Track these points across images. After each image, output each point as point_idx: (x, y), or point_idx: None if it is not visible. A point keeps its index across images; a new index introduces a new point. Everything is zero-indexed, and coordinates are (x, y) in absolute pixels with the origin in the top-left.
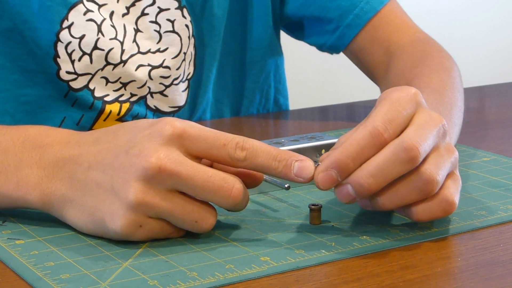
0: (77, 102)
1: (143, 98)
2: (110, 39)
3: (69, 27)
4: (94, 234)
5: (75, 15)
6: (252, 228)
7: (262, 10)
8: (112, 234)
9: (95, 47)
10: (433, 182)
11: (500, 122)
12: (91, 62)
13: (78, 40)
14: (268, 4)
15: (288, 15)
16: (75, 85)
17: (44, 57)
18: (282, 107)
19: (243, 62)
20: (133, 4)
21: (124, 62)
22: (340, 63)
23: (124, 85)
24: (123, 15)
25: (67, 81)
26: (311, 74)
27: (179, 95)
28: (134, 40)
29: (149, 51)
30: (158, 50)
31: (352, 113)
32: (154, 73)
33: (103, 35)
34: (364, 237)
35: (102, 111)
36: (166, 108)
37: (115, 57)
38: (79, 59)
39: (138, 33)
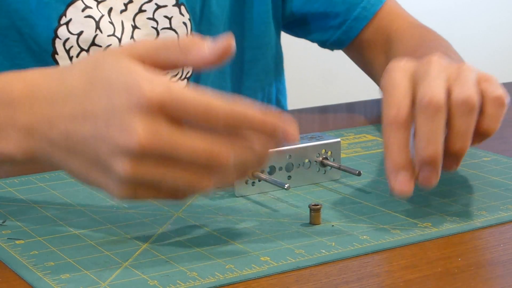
0: None
1: None
2: (108, 35)
3: (67, 23)
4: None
5: (73, 12)
6: (252, 228)
7: (262, 8)
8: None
9: (93, 44)
10: (473, 98)
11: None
12: None
13: (76, 36)
14: (268, 2)
15: (292, 12)
16: None
17: (42, 54)
18: (283, 107)
19: (243, 61)
20: (131, 1)
21: None
22: (340, 63)
23: None
24: (121, 11)
25: None
26: (310, 73)
27: None
28: (132, 37)
29: None
30: None
31: (352, 113)
32: None
33: (101, 31)
34: (364, 237)
35: None
36: None
37: None
38: (77, 56)
39: (136, 30)
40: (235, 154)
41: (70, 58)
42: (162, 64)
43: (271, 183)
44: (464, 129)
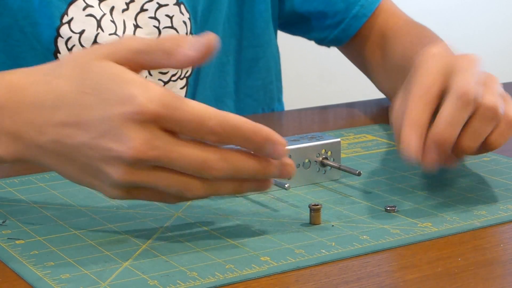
0: None
1: None
2: (110, 34)
3: (69, 22)
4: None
5: (75, 10)
6: (252, 228)
7: (263, 6)
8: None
9: (95, 42)
10: (499, 108)
11: None
12: None
13: (78, 35)
14: (268, 0)
15: (292, 11)
16: None
17: (45, 53)
18: (283, 107)
19: (244, 60)
20: (132, 0)
21: None
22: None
23: None
24: (123, 10)
25: None
26: (310, 74)
27: (177, 92)
28: None
29: None
30: None
31: (352, 113)
32: None
33: (102, 30)
34: (364, 237)
35: None
36: None
37: None
38: None
39: (138, 29)
40: (228, 166)
41: None
42: (146, 67)
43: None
44: (480, 132)
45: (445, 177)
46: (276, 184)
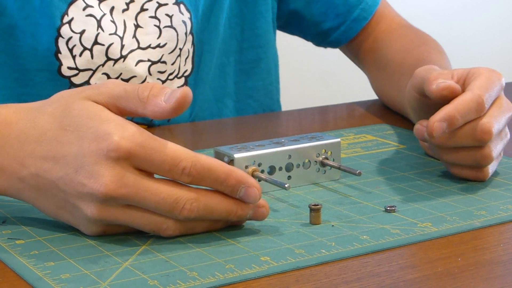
0: None
1: None
2: (110, 34)
3: (69, 22)
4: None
5: (75, 10)
6: (252, 228)
7: (264, 7)
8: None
9: (96, 42)
10: (489, 133)
11: None
12: (92, 57)
13: (78, 35)
14: (268, 1)
15: (294, 12)
16: (77, 80)
17: (45, 53)
18: (280, 108)
19: (245, 61)
20: (132, 0)
21: (124, 57)
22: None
23: (125, 81)
24: (123, 10)
25: (69, 77)
26: (309, 74)
27: None
28: (134, 36)
29: (149, 46)
30: (158, 46)
31: (352, 113)
32: (153, 68)
33: (102, 30)
34: (364, 237)
35: None
36: None
37: (115, 52)
38: (80, 55)
39: (138, 29)
40: (199, 206)
41: (73, 57)
42: (122, 111)
43: (271, 183)
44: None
45: (445, 177)
46: (276, 184)
